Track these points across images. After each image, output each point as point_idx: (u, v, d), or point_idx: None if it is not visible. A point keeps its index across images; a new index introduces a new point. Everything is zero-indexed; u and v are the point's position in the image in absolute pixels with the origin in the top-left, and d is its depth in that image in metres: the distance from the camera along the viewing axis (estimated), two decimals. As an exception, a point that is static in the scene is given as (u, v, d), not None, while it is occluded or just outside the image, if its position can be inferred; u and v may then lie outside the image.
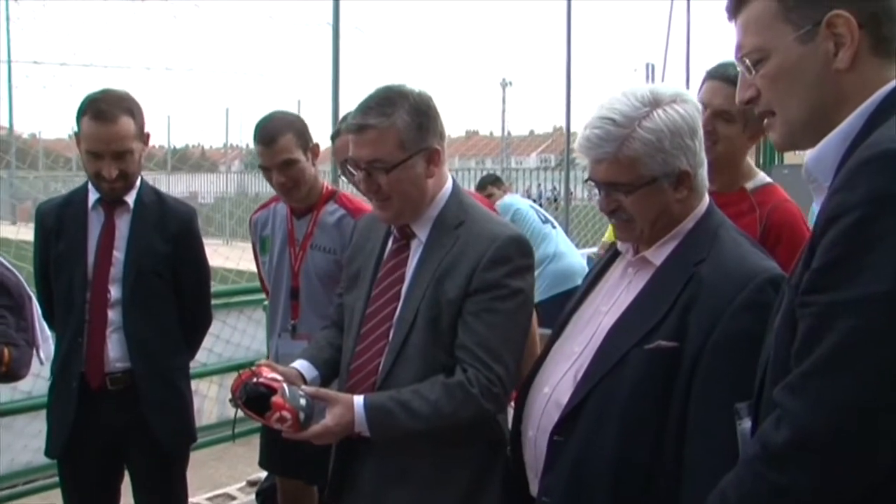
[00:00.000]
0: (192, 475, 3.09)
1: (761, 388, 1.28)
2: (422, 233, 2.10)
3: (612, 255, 1.97)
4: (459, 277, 1.99)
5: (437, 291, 2.00)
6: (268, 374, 1.94)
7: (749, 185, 2.21)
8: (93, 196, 2.78)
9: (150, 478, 2.86)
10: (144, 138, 2.76)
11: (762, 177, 2.27)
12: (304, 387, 2.01)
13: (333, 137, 3.37)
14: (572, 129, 8.59)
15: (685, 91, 1.74)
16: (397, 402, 1.94)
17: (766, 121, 1.35)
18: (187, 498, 3.05)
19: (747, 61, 1.32)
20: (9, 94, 12.99)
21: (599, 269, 1.98)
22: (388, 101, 2.00)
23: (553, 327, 1.97)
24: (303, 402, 1.91)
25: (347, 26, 6.12)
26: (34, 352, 3.14)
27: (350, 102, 5.71)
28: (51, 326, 2.96)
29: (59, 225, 2.80)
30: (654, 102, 1.69)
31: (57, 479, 3.00)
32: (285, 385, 1.92)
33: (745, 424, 1.33)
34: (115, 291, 2.74)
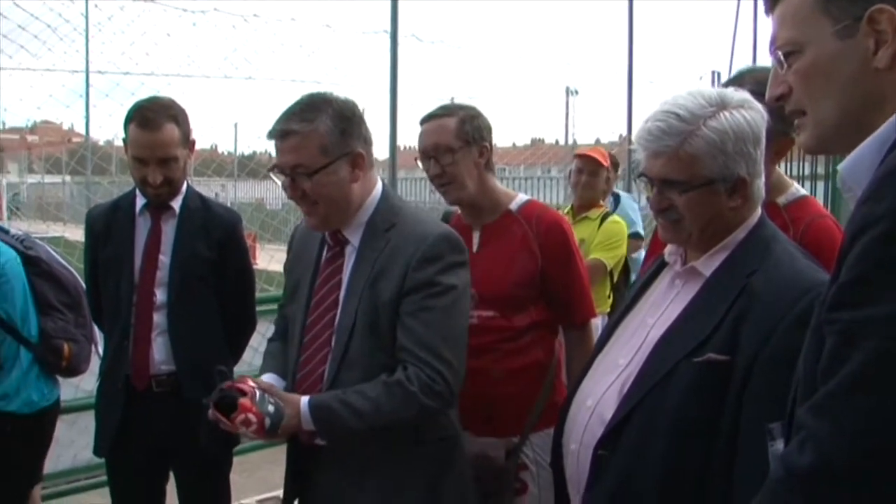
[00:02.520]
0: (246, 478, 3.11)
1: (793, 408, 1.20)
2: (354, 238, 2.12)
3: (657, 266, 1.90)
4: (393, 279, 2.01)
5: (373, 295, 2.03)
6: (249, 384, 1.98)
7: (781, 200, 2.07)
8: (140, 201, 2.83)
9: (193, 480, 2.88)
10: (189, 145, 2.80)
11: (795, 189, 2.14)
12: (259, 379, 2.08)
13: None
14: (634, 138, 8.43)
15: (752, 98, 1.68)
16: (339, 400, 1.97)
17: (796, 121, 1.26)
18: (230, 500, 3.06)
19: (780, 54, 1.24)
20: (86, 102, 13.35)
21: (645, 280, 1.93)
22: (310, 108, 2.04)
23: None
24: (271, 408, 1.94)
25: (405, 35, 6.12)
26: (92, 347, 3.23)
27: (409, 111, 5.74)
28: (100, 328, 3.01)
29: (107, 229, 2.85)
30: (721, 104, 1.64)
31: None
32: (258, 391, 1.95)
33: (778, 445, 1.25)
34: (160, 295, 2.77)
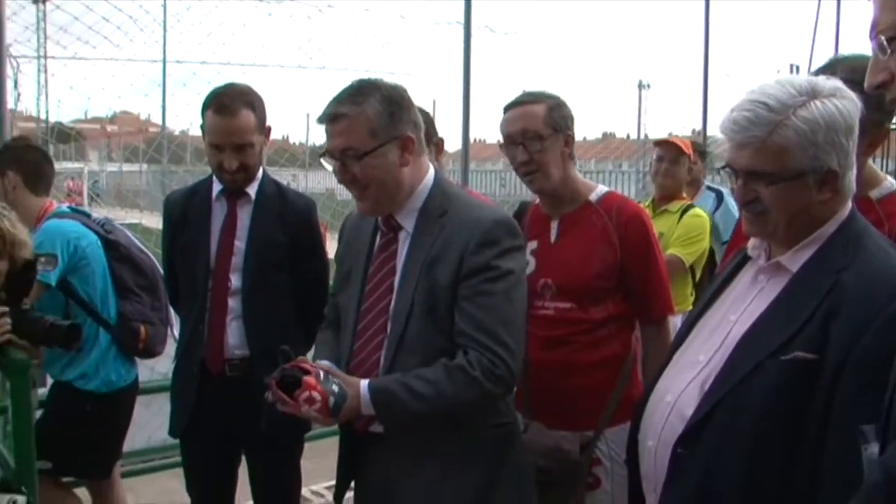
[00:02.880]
0: (316, 463, 3.12)
1: (889, 410, 1.14)
2: (408, 224, 2.10)
3: (739, 260, 1.84)
4: (450, 264, 2.00)
5: (430, 279, 2.01)
6: (310, 364, 1.97)
7: (874, 194, 1.98)
8: (216, 187, 2.85)
9: (265, 464, 2.91)
10: (265, 131, 2.82)
11: (890, 183, 2.04)
12: (320, 362, 2.06)
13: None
14: (709, 133, 8.25)
15: (845, 87, 1.59)
16: (400, 383, 1.95)
17: None
18: (300, 486, 3.09)
19: (882, 39, 1.17)
20: (163, 91, 13.71)
21: (726, 275, 1.86)
22: (359, 92, 2.02)
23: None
24: (335, 388, 1.91)
25: (479, 26, 6.10)
26: (168, 330, 3.31)
27: (482, 103, 5.70)
28: (177, 312, 3.07)
29: (184, 215, 2.89)
30: (812, 93, 1.56)
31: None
32: (322, 371, 1.94)
33: (872, 448, 1.19)
34: (235, 280, 2.80)
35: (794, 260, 1.63)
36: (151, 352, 3.34)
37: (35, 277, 2.80)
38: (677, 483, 1.63)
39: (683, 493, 1.61)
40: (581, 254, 2.51)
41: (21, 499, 2.08)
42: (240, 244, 2.81)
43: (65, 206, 3.43)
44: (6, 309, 2.58)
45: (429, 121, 2.94)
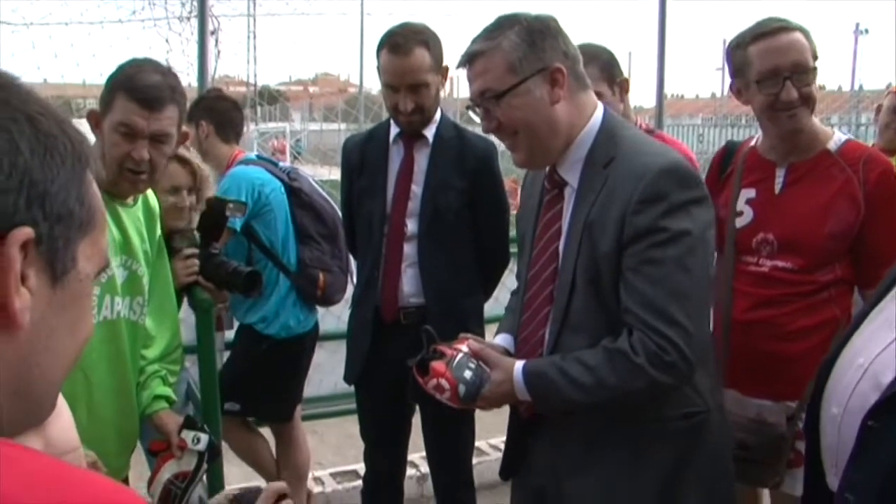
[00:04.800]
0: (494, 416, 3.05)
1: None
2: (572, 178, 1.81)
3: None
4: (610, 227, 1.70)
5: (590, 246, 1.73)
6: (458, 346, 1.83)
7: None
8: (394, 130, 2.78)
9: (437, 415, 2.82)
10: (442, 71, 2.70)
11: None
12: (469, 342, 1.87)
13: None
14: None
15: None
16: (558, 368, 1.73)
17: None
18: (474, 439, 3.02)
19: None
20: (360, 46, 14.06)
21: None
22: (496, 26, 1.79)
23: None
24: (468, 374, 1.78)
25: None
26: (348, 278, 3.33)
27: (679, 58, 5.29)
28: (355, 258, 3.06)
29: (361, 159, 2.84)
30: None
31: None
32: (460, 355, 1.80)
33: None
34: (411, 226, 2.73)
35: None
36: (330, 299, 3.37)
37: (226, 223, 2.86)
38: (866, 461, 1.37)
39: (873, 472, 1.35)
40: (815, 209, 2.20)
41: (204, 437, 2.11)
42: (416, 188, 2.73)
43: (252, 155, 3.51)
44: (195, 251, 2.64)
45: (611, 59, 2.71)
